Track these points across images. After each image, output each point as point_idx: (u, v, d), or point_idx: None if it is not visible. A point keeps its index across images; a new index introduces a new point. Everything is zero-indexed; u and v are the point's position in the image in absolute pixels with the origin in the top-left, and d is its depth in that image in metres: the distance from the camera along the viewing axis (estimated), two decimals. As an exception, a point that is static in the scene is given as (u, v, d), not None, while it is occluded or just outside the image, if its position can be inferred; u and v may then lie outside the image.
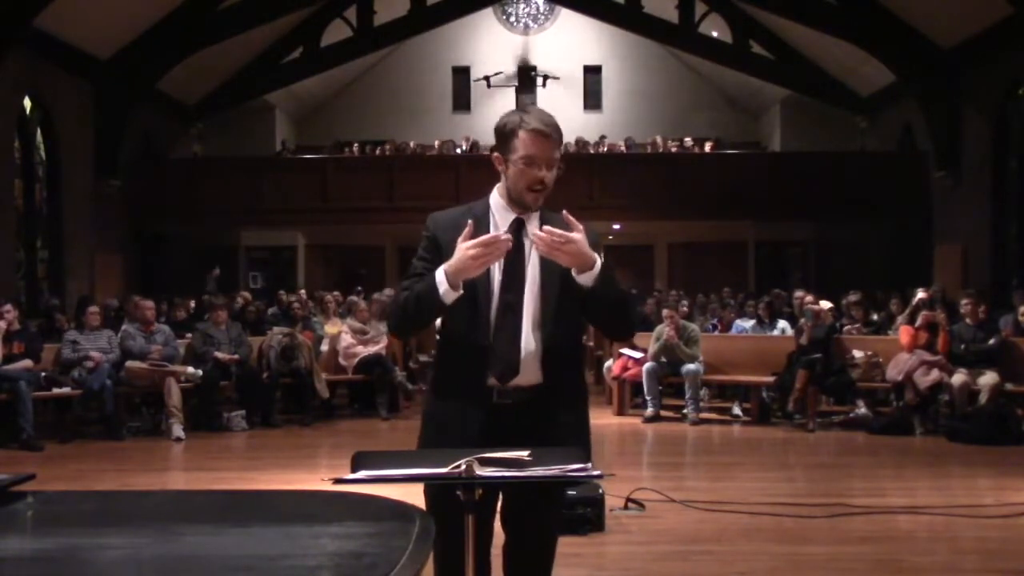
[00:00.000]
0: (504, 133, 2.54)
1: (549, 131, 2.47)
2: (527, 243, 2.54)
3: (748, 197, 15.03)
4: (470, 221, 2.43)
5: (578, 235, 2.39)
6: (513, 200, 2.56)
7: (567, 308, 2.51)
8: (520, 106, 2.54)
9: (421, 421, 2.68)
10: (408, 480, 2.11)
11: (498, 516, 2.60)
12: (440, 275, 2.41)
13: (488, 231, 2.53)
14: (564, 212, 2.46)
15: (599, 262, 2.43)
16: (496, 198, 2.61)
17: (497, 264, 2.49)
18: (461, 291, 2.41)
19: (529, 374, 2.51)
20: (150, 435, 8.85)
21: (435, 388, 2.66)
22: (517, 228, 2.55)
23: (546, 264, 2.51)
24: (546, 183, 2.50)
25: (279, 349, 9.48)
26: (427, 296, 2.44)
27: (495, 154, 2.58)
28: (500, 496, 2.56)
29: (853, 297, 10.71)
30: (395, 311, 2.62)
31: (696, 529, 5.21)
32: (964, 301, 9.01)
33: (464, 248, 2.37)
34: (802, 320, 9.21)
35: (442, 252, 2.51)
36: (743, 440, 8.73)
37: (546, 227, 2.39)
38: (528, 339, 2.51)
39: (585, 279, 2.43)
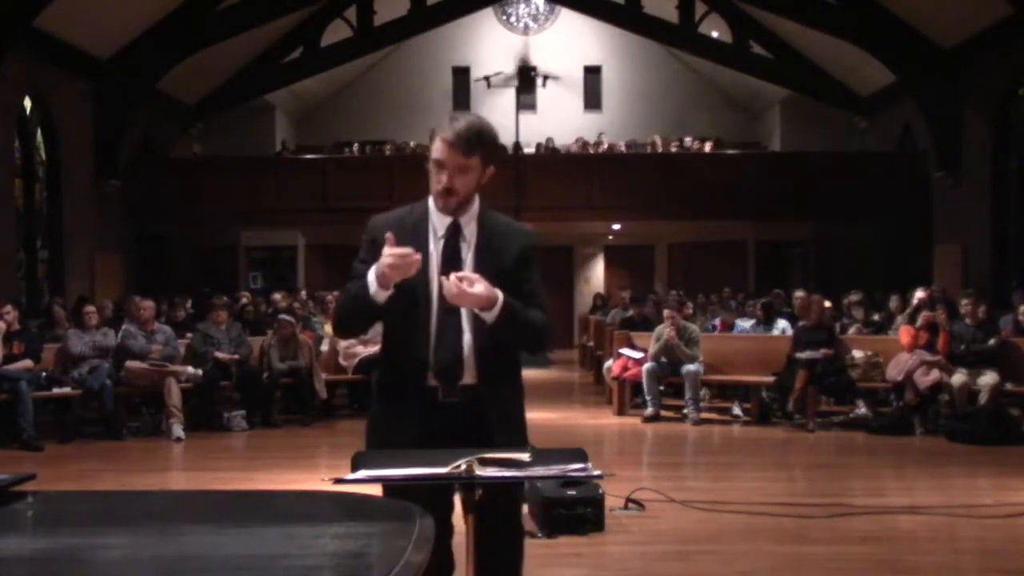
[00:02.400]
0: (431, 134, 2.62)
1: (454, 140, 2.52)
2: (463, 247, 2.61)
3: (748, 197, 15.03)
4: (388, 235, 2.47)
5: (479, 287, 2.45)
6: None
7: None
8: (458, 111, 2.62)
9: (368, 421, 2.73)
10: (408, 480, 2.11)
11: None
12: (371, 275, 2.49)
13: (427, 234, 2.61)
14: (452, 276, 2.47)
15: (500, 302, 2.49)
16: (432, 201, 2.65)
17: (435, 268, 2.57)
18: (391, 291, 2.49)
19: (470, 374, 2.59)
20: (150, 435, 8.84)
21: (380, 390, 2.71)
22: (453, 232, 2.61)
23: (480, 267, 2.57)
24: (453, 189, 2.55)
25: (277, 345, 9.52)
26: (361, 296, 2.53)
27: (426, 165, 2.63)
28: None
29: (854, 297, 10.70)
30: (337, 310, 2.77)
31: (696, 529, 5.21)
32: (964, 301, 9.00)
33: (384, 255, 2.45)
34: (805, 354, 9.05)
35: (380, 254, 2.56)
36: (743, 440, 8.73)
37: (452, 277, 2.45)
38: (468, 340, 2.58)
39: (488, 316, 2.51)
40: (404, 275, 2.46)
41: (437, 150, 2.55)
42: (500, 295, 2.50)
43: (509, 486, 2.56)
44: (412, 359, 2.58)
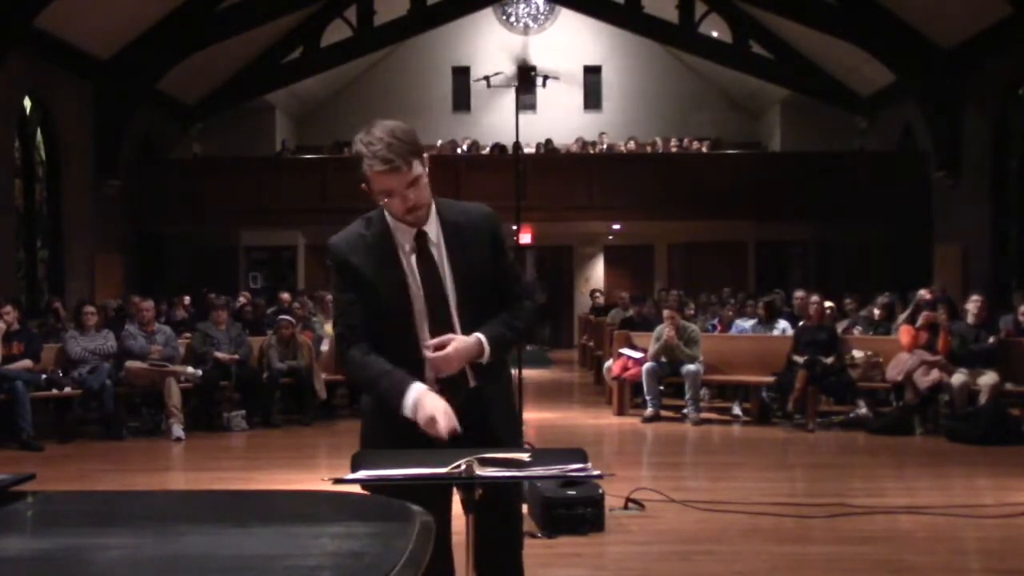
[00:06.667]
0: (359, 166, 2.49)
1: (393, 164, 2.41)
2: (435, 252, 2.56)
3: (748, 197, 15.04)
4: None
5: (450, 348, 2.45)
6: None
7: (485, 309, 2.56)
8: (361, 133, 2.46)
9: (363, 430, 2.69)
10: (408, 480, 2.11)
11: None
12: (409, 402, 2.43)
13: (393, 247, 2.56)
14: (425, 350, 2.47)
15: (486, 351, 2.50)
16: (389, 214, 2.59)
17: (414, 281, 2.54)
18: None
19: (468, 377, 2.58)
20: (150, 435, 8.84)
21: (375, 402, 2.64)
22: (421, 241, 2.56)
23: (457, 269, 2.56)
24: (416, 206, 2.49)
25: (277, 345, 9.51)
26: (390, 399, 2.48)
27: (362, 185, 2.53)
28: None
29: (883, 299, 10.65)
30: (358, 377, 2.60)
31: (696, 529, 5.21)
32: (975, 297, 9.00)
33: (432, 424, 2.41)
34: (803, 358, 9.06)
35: (357, 274, 2.54)
36: (743, 440, 8.73)
37: (428, 351, 2.46)
38: None
39: (483, 360, 2.52)
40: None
41: (379, 182, 2.44)
42: (483, 338, 2.49)
43: (508, 486, 2.57)
44: (409, 370, 2.54)
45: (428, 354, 2.45)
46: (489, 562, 2.57)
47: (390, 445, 2.48)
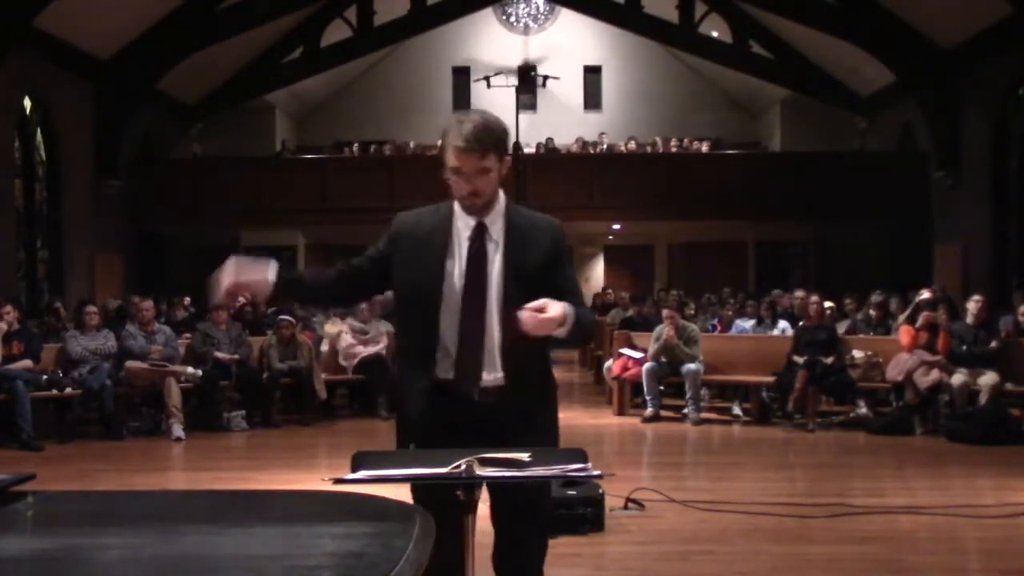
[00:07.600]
0: (441, 143, 2.59)
1: (470, 145, 2.48)
2: (490, 246, 2.58)
3: (748, 197, 15.04)
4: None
5: (555, 309, 2.38)
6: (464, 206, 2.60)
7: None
8: (459, 112, 2.55)
9: (398, 423, 2.72)
10: (408, 480, 2.11)
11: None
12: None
13: (450, 235, 2.59)
14: (525, 310, 2.38)
15: (572, 317, 2.44)
16: (458, 203, 2.64)
17: (458, 270, 2.55)
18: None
19: (499, 375, 2.56)
20: (150, 435, 8.84)
21: (404, 390, 2.67)
22: (479, 233, 2.58)
23: (509, 266, 2.56)
24: (478, 192, 2.53)
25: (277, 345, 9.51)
26: None
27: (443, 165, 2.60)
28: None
29: (877, 298, 10.66)
30: None
31: (696, 529, 5.21)
32: (975, 297, 9.00)
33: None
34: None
35: (399, 249, 2.61)
36: (743, 440, 8.72)
37: (525, 311, 2.38)
38: (494, 341, 2.55)
39: (560, 332, 2.46)
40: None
41: (452, 159, 2.52)
42: (571, 309, 2.45)
43: (537, 486, 2.56)
44: (432, 363, 2.56)
45: (522, 316, 2.37)
46: (507, 564, 2.58)
47: (431, 433, 2.50)
